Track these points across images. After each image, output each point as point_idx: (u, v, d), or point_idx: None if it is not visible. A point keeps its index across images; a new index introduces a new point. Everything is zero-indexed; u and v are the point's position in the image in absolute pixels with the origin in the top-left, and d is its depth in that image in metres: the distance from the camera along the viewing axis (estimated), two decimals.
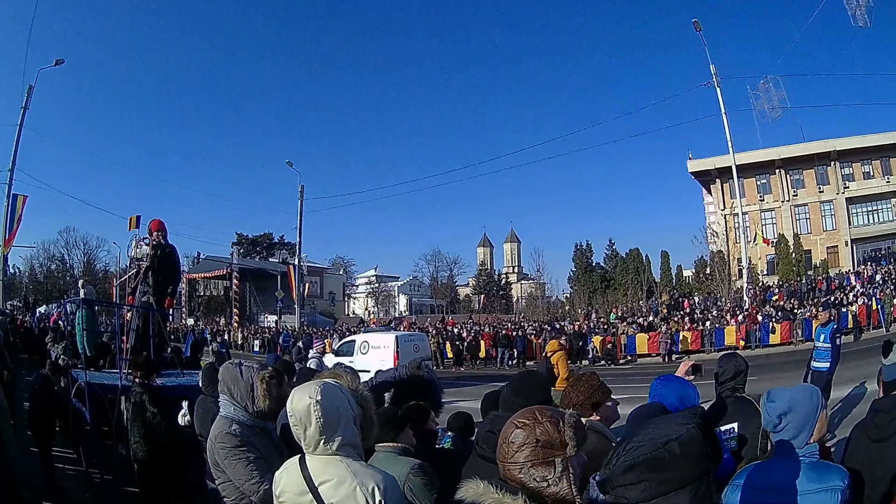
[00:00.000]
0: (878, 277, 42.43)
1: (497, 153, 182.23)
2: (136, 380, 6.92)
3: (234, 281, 63.79)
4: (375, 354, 22.92)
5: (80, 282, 15.63)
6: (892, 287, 35.38)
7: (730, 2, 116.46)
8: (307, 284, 61.44)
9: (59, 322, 22.85)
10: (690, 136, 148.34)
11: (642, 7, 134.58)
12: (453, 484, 2.66)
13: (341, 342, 28.68)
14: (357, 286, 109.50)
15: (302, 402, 2.87)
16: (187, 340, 31.42)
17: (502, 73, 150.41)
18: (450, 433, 6.36)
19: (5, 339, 13.90)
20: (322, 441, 2.88)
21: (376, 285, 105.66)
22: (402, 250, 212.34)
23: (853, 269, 51.01)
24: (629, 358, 34.62)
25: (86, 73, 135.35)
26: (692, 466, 2.13)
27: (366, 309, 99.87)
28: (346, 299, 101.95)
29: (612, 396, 4.58)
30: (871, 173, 57.18)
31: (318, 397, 2.86)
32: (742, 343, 31.84)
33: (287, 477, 3.05)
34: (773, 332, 32.37)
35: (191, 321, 58.07)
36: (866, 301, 33.64)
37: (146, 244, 10.85)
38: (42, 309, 46.79)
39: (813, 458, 3.08)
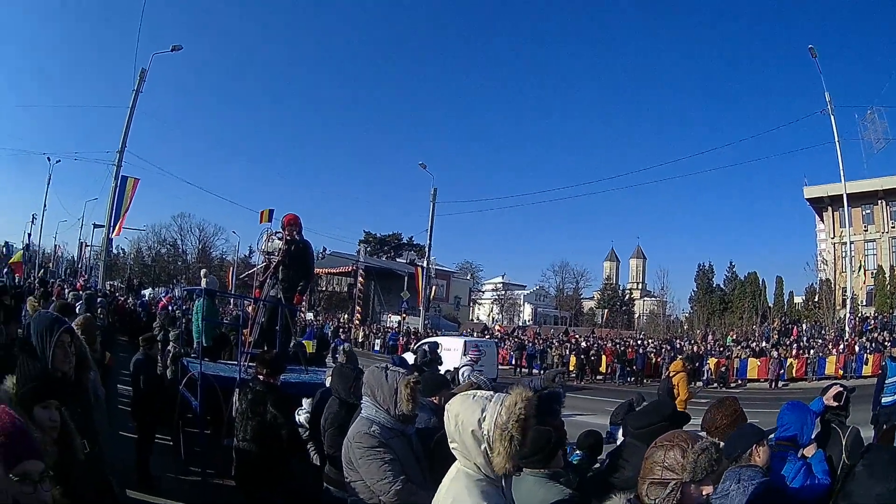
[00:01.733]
0: None
1: (627, 169, 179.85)
2: (260, 376, 6.93)
3: (360, 278, 63.56)
4: (447, 356, 23.32)
5: (203, 271, 15.85)
6: None
7: (844, 29, 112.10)
8: (434, 287, 61.09)
9: (169, 307, 23.07)
10: (802, 163, 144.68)
11: (760, 31, 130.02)
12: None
13: (419, 343, 30.29)
14: (483, 292, 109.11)
15: (447, 408, 2.93)
16: (308, 335, 31.79)
17: (633, 90, 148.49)
18: (578, 451, 6.39)
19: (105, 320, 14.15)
20: (452, 447, 2.88)
21: (502, 292, 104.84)
22: (530, 259, 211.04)
23: None
24: (739, 382, 33.92)
25: (212, 62, 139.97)
26: None
27: (490, 315, 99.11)
28: (471, 304, 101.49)
29: None
30: None
31: (452, 403, 2.92)
32: (840, 373, 30.57)
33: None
34: (867, 364, 31.04)
35: (310, 316, 57.35)
36: None
37: (279, 238, 10.62)
38: (148, 292, 47.83)
39: None
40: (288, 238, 10.46)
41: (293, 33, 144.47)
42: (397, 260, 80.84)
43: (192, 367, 9.09)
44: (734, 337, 46.00)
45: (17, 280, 29.87)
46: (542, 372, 32.88)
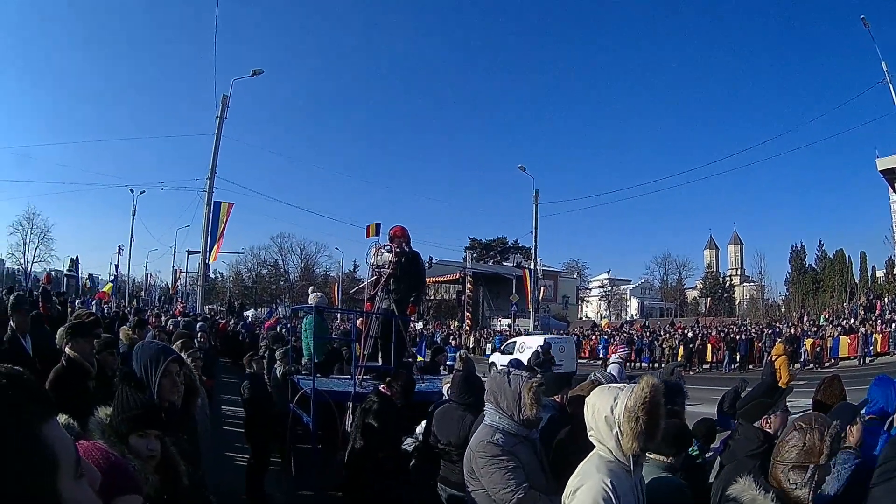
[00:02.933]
0: None
1: (720, 154, 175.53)
2: (387, 392, 6.97)
3: (468, 285, 62.89)
4: (529, 353, 25.46)
5: (311, 288, 16.01)
6: None
7: None
8: (542, 288, 59.86)
9: (277, 327, 23.41)
10: (870, 135, 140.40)
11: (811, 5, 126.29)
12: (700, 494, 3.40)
13: (506, 343, 33.16)
14: (590, 289, 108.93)
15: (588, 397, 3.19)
16: (420, 344, 32.13)
17: (708, 79, 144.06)
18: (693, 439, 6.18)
19: (206, 344, 14.41)
20: (589, 433, 3.12)
21: (609, 288, 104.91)
22: (634, 253, 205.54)
23: None
24: (832, 361, 33.07)
25: (295, 81, 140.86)
26: None
27: (598, 312, 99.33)
28: (579, 303, 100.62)
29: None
30: None
31: (593, 392, 3.17)
32: None
33: None
34: None
35: (420, 325, 57.12)
36: None
37: (387, 251, 10.58)
38: (251, 313, 48.50)
39: None
40: (398, 250, 10.41)
41: (383, 41, 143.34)
42: (504, 264, 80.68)
43: (304, 384, 9.18)
44: (826, 316, 45.26)
45: (104, 309, 30.18)
46: (650, 365, 34.36)
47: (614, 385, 3.21)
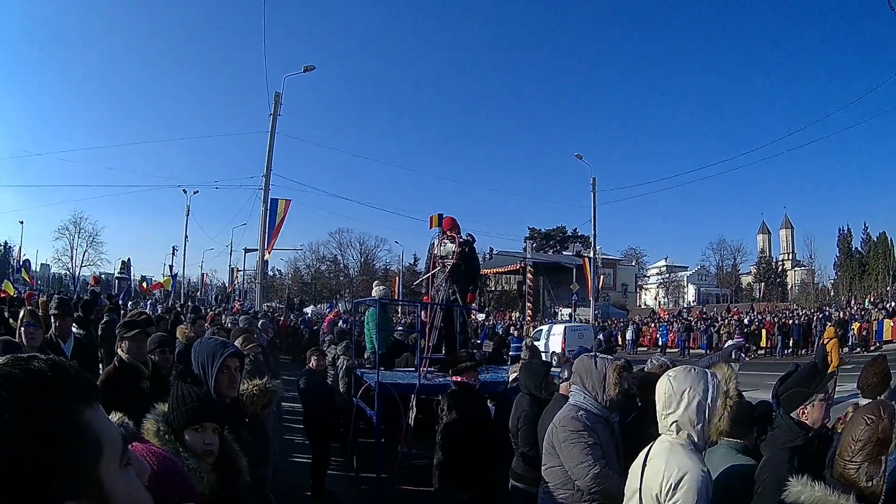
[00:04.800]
0: None
1: (766, 140, 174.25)
2: (459, 378, 6.97)
3: (528, 275, 62.37)
4: (553, 339, 29.07)
5: (375, 282, 16.13)
6: None
7: None
8: (601, 277, 59.95)
9: (340, 321, 23.36)
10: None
11: None
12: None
13: (535, 329, 34.75)
14: (648, 277, 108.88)
15: (661, 382, 3.18)
16: (482, 335, 32.56)
17: (761, 56, 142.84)
18: None
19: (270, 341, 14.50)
20: (664, 416, 3.12)
21: (666, 276, 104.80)
22: (690, 240, 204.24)
23: None
24: (877, 345, 32.76)
25: (346, 75, 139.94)
26: None
27: (656, 299, 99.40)
28: (637, 290, 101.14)
29: None
30: None
31: (672, 374, 3.16)
32: None
33: (642, 452, 3.27)
34: None
35: (482, 316, 57.73)
36: None
37: (450, 241, 10.55)
38: (310, 309, 48.60)
39: None
40: (461, 240, 10.46)
41: (435, 32, 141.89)
42: (563, 253, 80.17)
43: (368, 378, 9.16)
44: (871, 299, 45.63)
45: (158, 308, 30.25)
46: (707, 352, 34.06)
47: (695, 369, 3.21)
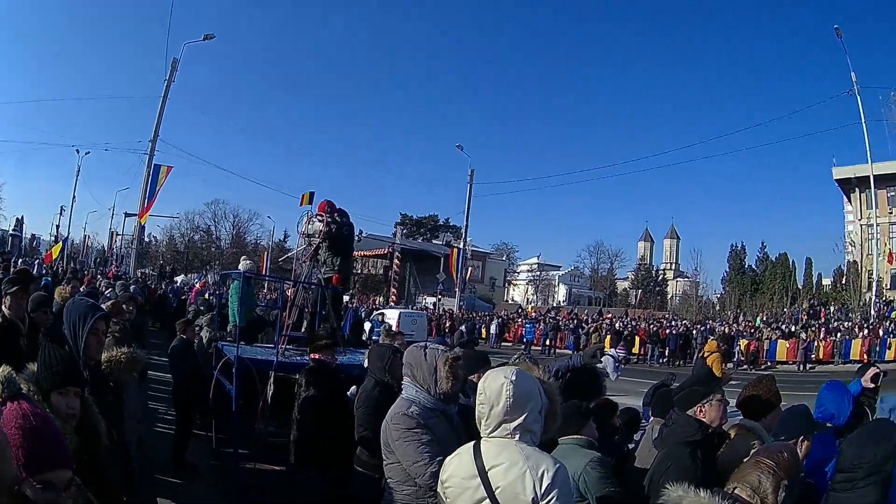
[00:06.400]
0: None
1: (660, 148, 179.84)
2: (317, 356, 7.03)
3: (396, 260, 63.38)
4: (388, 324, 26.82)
5: (243, 257, 15.99)
6: None
7: (870, 9, 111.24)
8: (469, 268, 61.35)
9: (205, 293, 23.39)
10: (831, 143, 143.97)
11: (786, 10, 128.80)
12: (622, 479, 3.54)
13: (374, 314, 33.78)
14: (518, 273, 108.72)
15: (496, 382, 2.94)
16: (347, 318, 32.64)
17: (664, 71, 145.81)
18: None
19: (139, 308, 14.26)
20: (504, 421, 2.91)
21: (537, 273, 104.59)
22: (566, 240, 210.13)
23: None
24: (769, 364, 33.62)
25: (243, 50, 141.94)
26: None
27: (525, 296, 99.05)
28: (506, 285, 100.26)
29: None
30: None
31: (513, 378, 2.92)
32: (866, 357, 30.20)
33: (458, 461, 3.08)
34: (890, 348, 31.40)
35: (346, 298, 56.41)
36: None
37: (319, 221, 10.61)
38: (181, 278, 47.98)
39: None
40: (329, 220, 10.51)
41: (325, 14, 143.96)
42: (433, 241, 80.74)
43: (228, 351, 9.07)
44: (764, 318, 46.15)
45: (44, 269, 29.81)
46: (574, 352, 33.51)
47: (521, 371, 3.10)
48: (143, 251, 61.25)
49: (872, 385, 5.26)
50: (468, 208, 52.81)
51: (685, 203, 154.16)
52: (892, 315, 39.30)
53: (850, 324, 37.95)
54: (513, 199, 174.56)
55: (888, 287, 52.37)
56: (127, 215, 50.01)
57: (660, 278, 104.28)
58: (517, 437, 2.90)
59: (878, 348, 31.67)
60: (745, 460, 2.87)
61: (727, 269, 75.61)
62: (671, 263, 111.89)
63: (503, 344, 39.27)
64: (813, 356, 33.17)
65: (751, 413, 4.56)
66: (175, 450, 8.89)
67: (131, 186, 45.34)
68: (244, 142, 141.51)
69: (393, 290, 61.74)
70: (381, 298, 62.36)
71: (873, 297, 41.47)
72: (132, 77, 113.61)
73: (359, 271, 71.60)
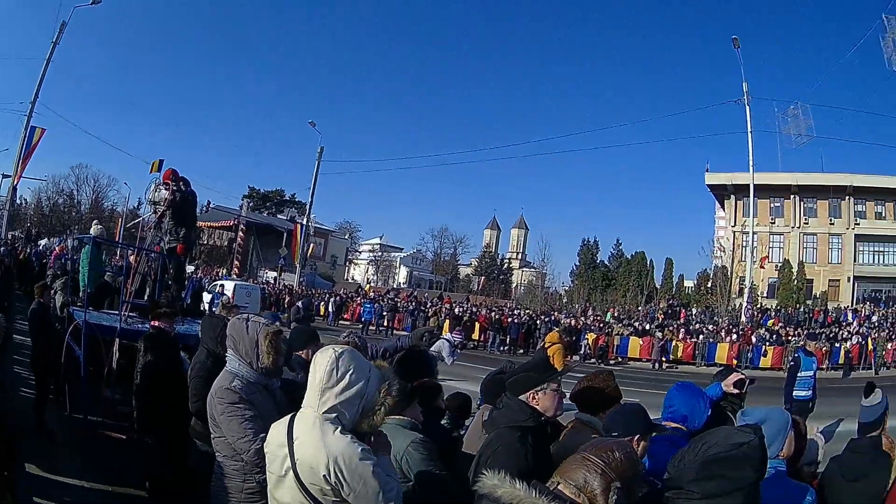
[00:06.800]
0: (874, 318, 42.83)
1: (518, 140, 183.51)
2: (156, 323, 6.94)
3: (240, 233, 63.39)
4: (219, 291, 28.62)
5: (94, 221, 15.63)
6: (887, 330, 35.79)
7: (771, 26, 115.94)
8: (311, 245, 61.46)
9: (63, 257, 22.86)
10: (713, 150, 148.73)
11: (685, 17, 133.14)
12: (451, 464, 3.45)
13: (213, 283, 36.45)
14: (360, 252, 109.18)
15: (324, 356, 3.00)
16: (189, 288, 32.20)
17: (536, 61, 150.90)
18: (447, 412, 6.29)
19: (5, 271, 13.79)
20: (319, 396, 2.96)
21: (379, 254, 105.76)
22: (410, 223, 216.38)
23: (852, 305, 51.21)
24: (619, 359, 34.44)
25: (113, 16, 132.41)
26: (753, 472, 2.48)
27: (365, 275, 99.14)
28: (347, 264, 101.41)
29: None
30: (884, 214, 57.46)
31: (340, 356, 2.98)
32: (734, 362, 31.29)
33: (276, 428, 3.16)
34: (765, 356, 32.49)
35: (191, 268, 56.44)
36: (861, 340, 33.82)
37: (165, 189, 10.57)
38: (44, 242, 46.61)
39: (781, 470, 3.44)
40: (175, 189, 10.55)
41: None
42: (278, 216, 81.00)
43: (77, 316, 8.99)
44: (615, 314, 47.05)
45: None
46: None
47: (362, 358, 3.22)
48: (14, 214, 58.89)
49: (736, 391, 5.08)
50: (314, 185, 53.94)
51: (539, 196, 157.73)
52: (769, 323, 40.46)
53: (713, 327, 38.92)
54: (361, 178, 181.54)
55: (764, 295, 54.54)
56: (4, 176, 48.31)
57: (504, 267, 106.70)
58: (324, 413, 2.97)
59: (749, 354, 32.92)
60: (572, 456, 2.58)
61: (577, 263, 76.68)
62: (518, 253, 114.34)
63: (340, 322, 39.33)
64: (671, 356, 33.81)
65: (587, 407, 4.50)
66: (36, 414, 8.81)
67: (11, 148, 43.62)
68: (117, 111, 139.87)
69: (236, 262, 62.09)
70: (225, 270, 62.37)
71: (744, 304, 42.62)
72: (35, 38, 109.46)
73: (205, 242, 71.80)
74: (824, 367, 29.87)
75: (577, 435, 4.04)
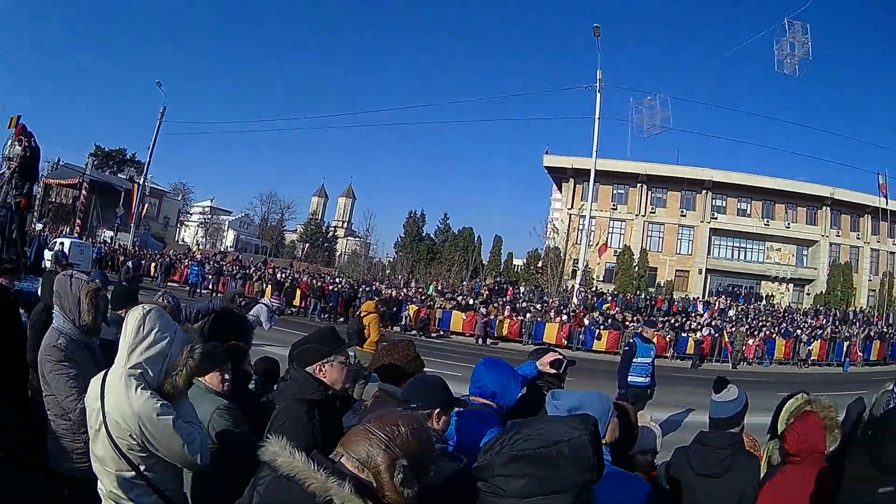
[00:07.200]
0: (731, 313, 44.36)
1: (355, 110, 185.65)
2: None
3: (83, 192, 62.48)
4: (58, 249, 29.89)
5: None
6: (747, 326, 36.70)
7: (633, 18, 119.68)
8: (146, 205, 61.94)
9: None
10: (565, 135, 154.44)
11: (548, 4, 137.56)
12: (259, 431, 3.23)
13: (53, 242, 35.46)
14: (191, 214, 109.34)
15: (134, 314, 3.16)
16: (33, 245, 31.49)
17: (370, 31, 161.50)
18: (254, 376, 6.29)
19: None
20: (126, 354, 3.09)
21: (209, 216, 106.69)
22: (242, 186, 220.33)
23: (703, 297, 53.24)
24: (441, 333, 34.73)
25: None
26: (577, 473, 2.07)
27: (194, 238, 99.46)
28: (178, 226, 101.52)
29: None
30: (749, 212, 59.79)
31: (146, 312, 3.16)
32: (564, 342, 32.25)
33: (94, 383, 3.23)
34: (599, 339, 33.25)
35: (39, 226, 55.11)
36: (713, 333, 35.01)
37: (19, 144, 10.36)
38: None
39: (606, 460, 2.84)
40: (27, 145, 10.55)
41: None
42: (119, 175, 79.90)
43: None
44: (438, 287, 47.28)
45: None
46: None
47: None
48: None
49: (553, 371, 5.07)
50: (153, 144, 54.22)
51: (369, 166, 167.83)
52: (604, 308, 41.37)
53: (542, 307, 39.22)
54: (199, 140, 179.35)
55: (601, 279, 56.34)
56: None
57: (330, 235, 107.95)
58: (130, 370, 3.08)
59: (581, 336, 33.58)
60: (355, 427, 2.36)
61: (402, 235, 76.16)
62: (343, 222, 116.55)
63: (169, 284, 38.83)
64: (495, 332, 33.94)
65: (390, 378, 4.41)
66: None
67: None
68: None
69: (78, 220, 60.91)
70: (68, 228, 60.98)
71: (577, 286, 43.29)
72: None
73: (53, 200, 70.86)
74: (669, 355, 32.15)
75: (381, 406, 3.98)
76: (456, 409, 3.71)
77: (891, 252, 59.46)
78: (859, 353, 35.71)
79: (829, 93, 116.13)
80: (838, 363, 35.01)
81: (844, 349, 35.58)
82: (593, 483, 2.13)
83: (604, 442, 2.97)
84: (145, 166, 56.56)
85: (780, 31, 35.36)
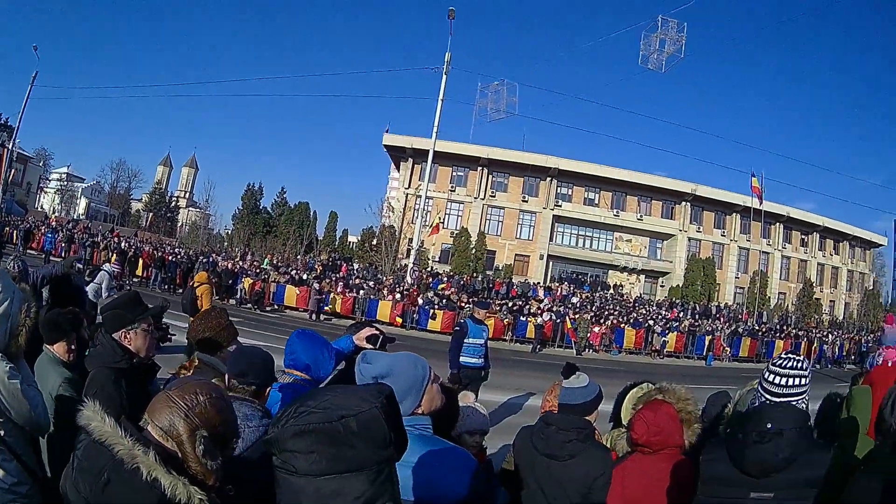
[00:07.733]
0: (574, 300, 45.63)
1: (209, 78, 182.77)
2: None
3: None
4: None
5: None
6: (591, 314, 37.13)
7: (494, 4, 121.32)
8: (13, 171, 60.72)
9: None
10: (406, 115, 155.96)
11: None
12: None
13: None
14: (49, 181, 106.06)
15: None
16: None
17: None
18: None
19: None
20: None
21: (66, 183, 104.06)
22: (100, 154, 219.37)
23: (544, 283, 54.76)
24: (276, 307, 34.58)
25: None
26: (370, 451, 1.77)
27: (52, 205, 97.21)
28: (38, 192, 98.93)
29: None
30: (597, 201, 61.61)
31: None
32: (399, 321, 32.65)
33: None
34: (434, 319, 33.28)
35: None
36: (554, 318, 35.15)
37: None
38: None
39: (426, 432, 2.66)
40: None
41: None
42: None
43: None
44: (273, 261, 48.47)
45: None
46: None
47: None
48: None
49: (370, 346, 4.75)
50: (23, 109, 52.46)
51: (214, 136, 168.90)
52: (438, 288, 41.75)
53: (375, 284, 39.39)
54: (62, 104, 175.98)
55: (436, 260, 57.43)
56: None
57: (173, 205, 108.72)
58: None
59: (415, 315, 33.66)
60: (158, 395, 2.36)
61: (240, 207, 75.81)
62: (186, 192, 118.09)
63: (28, 252, 38.30)
64: (327, 308, 33.78)
65: (206, 348, 4.41)
66: None
67: None
68: None
69: None
70: None
71: (411, 265, 43.23)
72: None
73: None
74: (508, 339, 33.17)
75: (201, 374, 3.90)
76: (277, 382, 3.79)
77: (764, 252, 62.00)
78: (726, 348, 36.96)
79: (709, 94, 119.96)
80: (699, 356, 35.69)
81: (707, 343, 36.43)
82: (393, 460, 1.89)
83: (421, 412, 2.70)
84: (14, 131, 54.49)
85: (652, 27, 35.54)
